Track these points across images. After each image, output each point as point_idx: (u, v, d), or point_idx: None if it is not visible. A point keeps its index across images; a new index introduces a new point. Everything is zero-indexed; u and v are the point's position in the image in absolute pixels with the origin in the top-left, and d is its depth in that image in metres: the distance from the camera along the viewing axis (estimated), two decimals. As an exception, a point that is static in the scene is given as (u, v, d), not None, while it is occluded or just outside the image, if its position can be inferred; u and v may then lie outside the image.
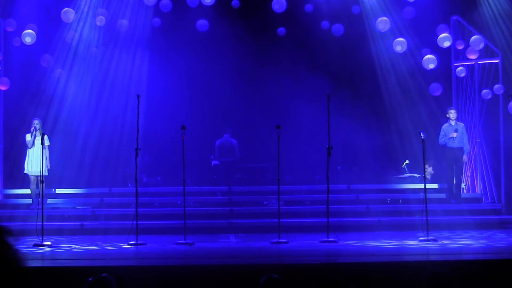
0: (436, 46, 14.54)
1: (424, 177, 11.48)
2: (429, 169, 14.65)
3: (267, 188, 14.55)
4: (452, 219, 12.89)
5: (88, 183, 14.68)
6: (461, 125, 13.88)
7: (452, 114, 13.73)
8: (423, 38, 14.95)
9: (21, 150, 13.94)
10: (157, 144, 15.86)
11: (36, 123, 13.37)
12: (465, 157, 13.90)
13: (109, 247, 10.40)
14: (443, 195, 14.15)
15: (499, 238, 11.25)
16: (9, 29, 14.55)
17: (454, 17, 15.13)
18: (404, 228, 12.34)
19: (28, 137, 13.43)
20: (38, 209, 11.03)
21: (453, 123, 13.73)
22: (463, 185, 14.42)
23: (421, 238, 10.58)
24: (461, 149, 13.79)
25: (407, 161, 15.00)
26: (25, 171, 13.59)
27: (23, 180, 14.23)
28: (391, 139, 15.58)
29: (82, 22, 15.04)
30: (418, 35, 14.96)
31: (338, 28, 15.48)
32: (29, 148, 13.43)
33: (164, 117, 15.56)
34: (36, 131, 13.23)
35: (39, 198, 12.31)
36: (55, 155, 14.19)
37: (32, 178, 13.52)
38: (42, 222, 10.63)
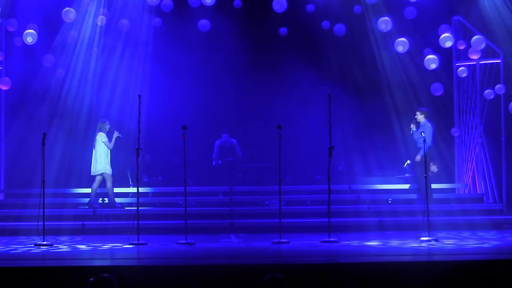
0: (437, 46, 14.52)
1: (426, 177, 11.45)
2: (433, 167, 14.61)
3: (268, 188, 14.55)
4: (454, 219, 12.88)
5: (88, 183, 14.65)
6: (425, 126, 13.22)
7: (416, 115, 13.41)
8: (425, 38, 14.93)
9: (21, 149, 13.91)
10: (159, 144, 15.86)
11: (108, 123, 13.49)
12: (417, 157, 13.36)
13: (111, 247, 10.41)
14: (444, 195, 14.14)
15: (500, 238, 11.24)
16: (11, 29, 14.54)
17: (456, 17, 15.13)
18: (405, 228, 12.34)
19: (104, 137, 13.36)
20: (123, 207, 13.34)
21: (414, 127, 13.33)
22: (432, 186, 13.59)
23: (422, 238, 10.57)
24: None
25: (408, 161, 14.98)
26: (106, 171, 13.41)
27: (23, 179, 14.25)
28: (393, 139, 15.56)
29: (83, 22, 15.03)
30: (419, 35, 14.94)
31: (339, 28, 15.48)
32: (110, 149, 13.45)
33: (166, 117, 15.56)
34: (115, 132, 13.37)
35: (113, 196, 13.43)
36: (56, 155, 14.20)
37: (110, 177, 13.52)
38: (44, 222, 10.63)
